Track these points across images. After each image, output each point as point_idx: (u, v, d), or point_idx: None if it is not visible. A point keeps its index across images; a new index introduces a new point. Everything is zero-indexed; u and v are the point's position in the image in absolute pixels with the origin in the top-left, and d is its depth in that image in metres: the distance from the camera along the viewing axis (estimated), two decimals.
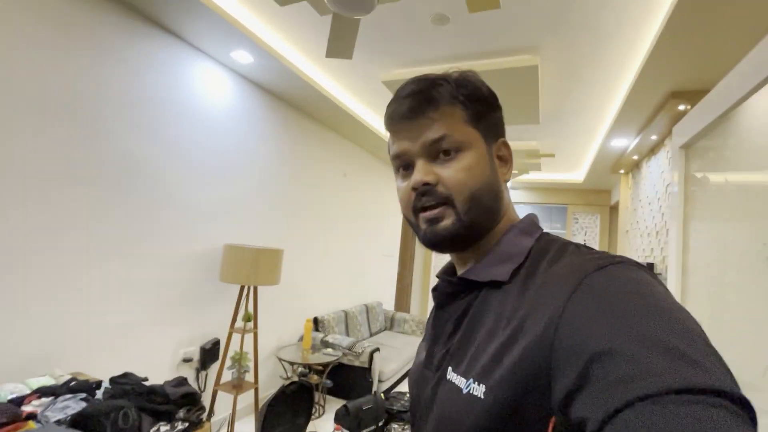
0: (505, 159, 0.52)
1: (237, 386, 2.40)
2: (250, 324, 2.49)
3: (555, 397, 0.32)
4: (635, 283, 0.33)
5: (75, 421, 1.18)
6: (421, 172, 0.47)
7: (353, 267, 4.38)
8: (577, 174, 5.34)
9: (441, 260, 6.51)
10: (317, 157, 3.61)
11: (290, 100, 3.08)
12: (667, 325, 0.28)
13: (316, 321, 3.54)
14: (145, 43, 2.03)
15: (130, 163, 1.99)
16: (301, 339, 3.37)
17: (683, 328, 0.28)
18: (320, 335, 3.39)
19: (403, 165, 0.50)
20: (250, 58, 2.39)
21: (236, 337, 2.59)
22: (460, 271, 0.52)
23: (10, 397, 1.32)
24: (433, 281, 6.60)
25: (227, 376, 2.52)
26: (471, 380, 0.40)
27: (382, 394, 3.18)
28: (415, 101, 0.47)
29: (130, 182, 2.00)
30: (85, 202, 1.80)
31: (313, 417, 2.70)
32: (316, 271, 3.67)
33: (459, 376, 0.42)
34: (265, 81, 2.74)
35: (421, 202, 0.48)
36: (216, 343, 2.50)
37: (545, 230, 0.48)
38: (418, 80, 0.49)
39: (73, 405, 1.28)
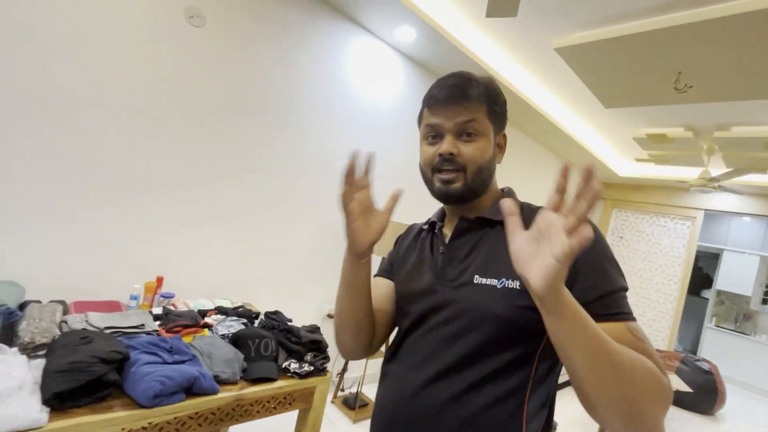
0: (502, 147, 0.73)
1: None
2: None
3: (572, 284, 0.55)
4: (601, 234, 0.60)
5: (233, 338, 1.41)
6: (450, 144, 0.65)
7: None
8: None
9: None
10: None
11: None
12: (615, 261, 0.60)
13: None
14: (319, 23, 2.26)
15: (298, 133, 2.27)
16: None
17: (617, 263, 0.60)
18: None
19: (433, 134, 0.68)
20: (414, 33, 2.39)
21: None
22: (466, 216, 0.70)
23: (200, 308, 1.68)
24: None
25: None
26: (504, 279, 0.60)
27: None
28: (456, 92, 0.64)
29: (293, 146, 2.29)
30: (259, 161, 2.15)
31: None
32: None
33: (489, 279, 0.62)
34: (426, 57, 2.73)
35: (442, 166, 0.66)
36: None
37: None
38: (459, 76, 0.67)
39: (236, 326, 1.54)
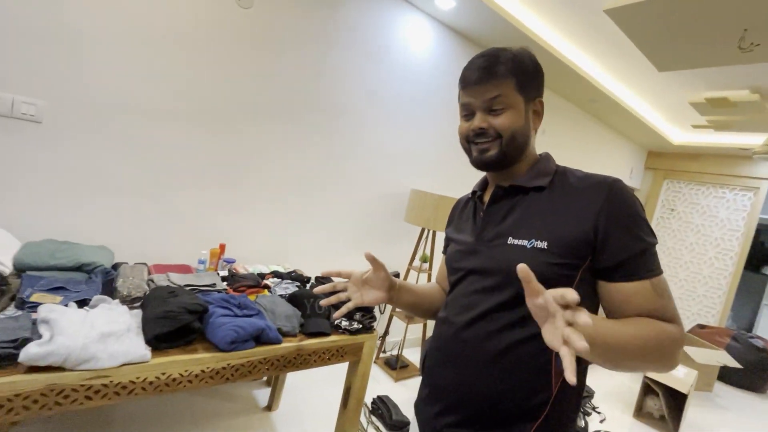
0: (538, 113, 0.76)
1: (409, 317, 2.67)
2: (426, 265, 2.67)
3: (602, 249, 0.64)
4: (631, 196, 0.66)
5: (290, 297, 1.57)
6: (479, 120, 0.73)
7: None
8: None
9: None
10: None
11: (489, 45, 2.91)
12: (643, 221, 0.65)
13: None
14: None
15: (341, 113, 2.35)
16: None
17: (646, 222, 0.65)
18: None
19: (466, 112, 0.76)
20: (453, 2, 2.35)
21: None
22: (501, 184, 0.78)
23: (258, 272, 1.86)
24: None
25: None
26: (533, 240, 0.68)
27: None
28: (483, 72, 0.71)
29: (338, 125, 2.37)
30: (306, 140, 2.26)
31: None
32: None
33: (521, 240, 0.69)
34: (466, 27, 2.68)
35: (476, 139, 0.75)
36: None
37: None
38: (487, 56, 0.73)
39: (291, 288, 1.71)
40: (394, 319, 2.82)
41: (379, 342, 2.84)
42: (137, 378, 1.04)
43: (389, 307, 2.86)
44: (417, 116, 2.73)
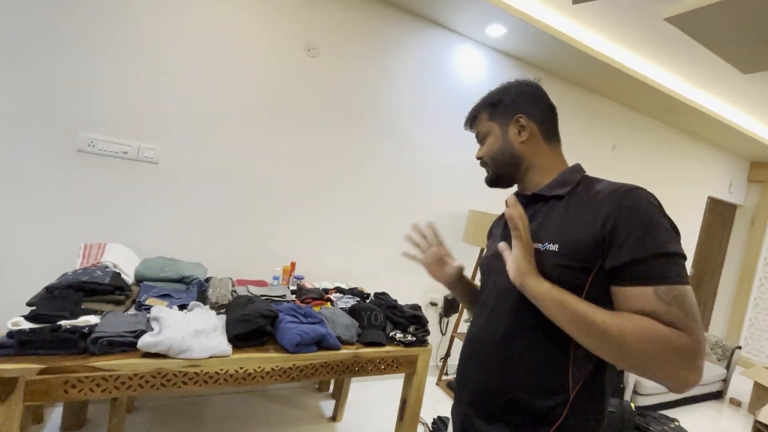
0: (524, 126, 0.83)
1: None
2: None
3: (608, 251, 0.64)
4: (648, 203, 0.65)
5: (349, 310, 1.71)
6: (477, 152, 0.91)
7: None
8: None
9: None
10: (579, 127, 3.27)
11: (545, 66, 2.92)
12: (659, 227, 0.62)
13: None
14: (414, 35, 2.48)
15: (400, 139, 2.53)
16: None
17: (665, 229, 0.62)
18: None
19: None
20: (503, 29, 2.44)
21: None
22: (524, 193, 0.85)
23: (323, 287, 2.05)
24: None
25: (463, 327, 2.81)
26: (546, 243, 0.72)
27: (632, 405, 2.67)
28: (468, 120, 0.93)
29: (399, 150, 2.54)
30: (369, 170, 2.45)
31: None
32: None
33: (537, 244, 0.73)
34: (519, 50, 2.73)
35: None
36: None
37: None
38: (471, 110, 0.92)
39: (351, 301, 1.85)
40: (456, 341, 2.81)
41: (440, 364, 2.83)
42: (221, 369, 1.23)
43: (450, 329, 2.86)
44: (468, 136, 2.80)
